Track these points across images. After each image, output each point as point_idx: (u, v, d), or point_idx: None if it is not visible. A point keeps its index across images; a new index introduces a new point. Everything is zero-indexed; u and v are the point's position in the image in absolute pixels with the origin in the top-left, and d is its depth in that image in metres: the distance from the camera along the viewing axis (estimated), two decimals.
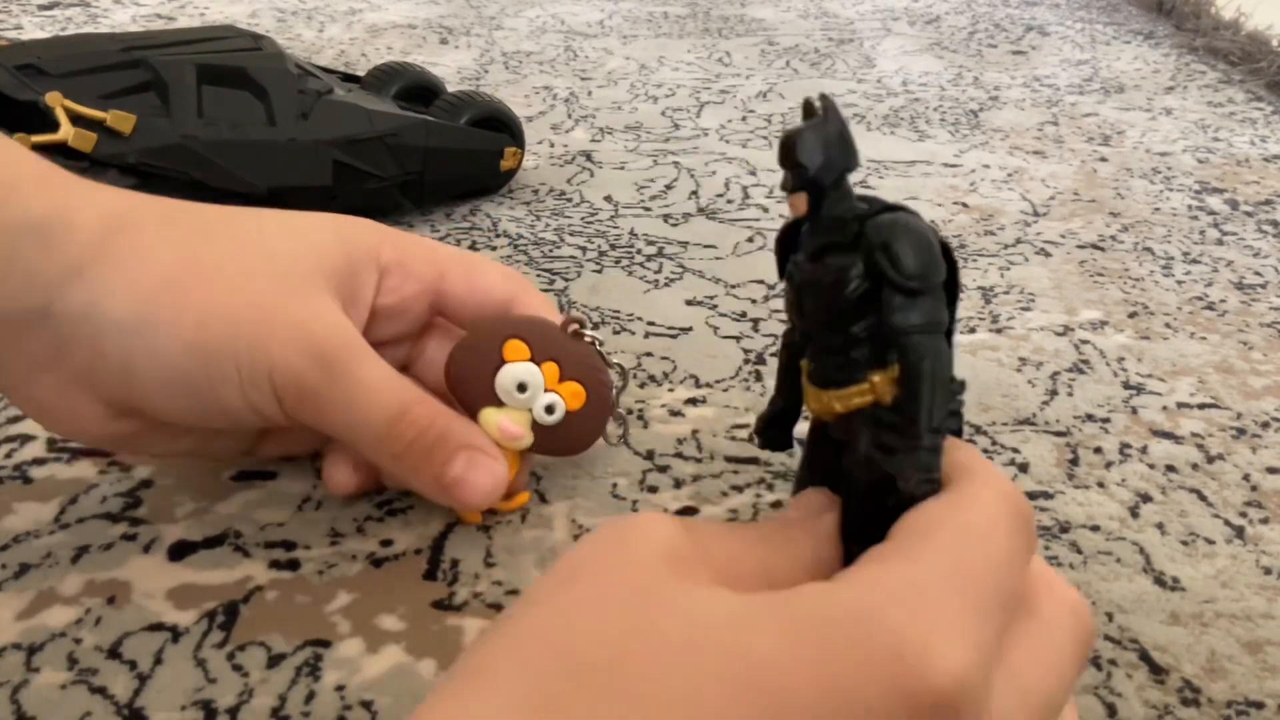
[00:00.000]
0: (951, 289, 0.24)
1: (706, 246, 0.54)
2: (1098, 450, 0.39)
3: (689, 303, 0.48)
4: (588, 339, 0.34)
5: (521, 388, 0.32)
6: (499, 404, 0.32)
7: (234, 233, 0.31)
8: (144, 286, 0.29)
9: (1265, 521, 0.35)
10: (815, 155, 0.22)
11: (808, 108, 0.23)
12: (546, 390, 0.33)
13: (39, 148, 0.43)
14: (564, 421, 0.33)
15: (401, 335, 0.36)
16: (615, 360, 0.35)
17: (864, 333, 0.23)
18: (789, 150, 0.22)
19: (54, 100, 0.44)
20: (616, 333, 0.45)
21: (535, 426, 0.33)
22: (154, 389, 0.29)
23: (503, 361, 0.32)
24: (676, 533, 0.21)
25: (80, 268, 0.28)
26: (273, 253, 0.31)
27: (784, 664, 0.17)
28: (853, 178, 0.23)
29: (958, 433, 0.25)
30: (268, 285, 0.30)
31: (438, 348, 0.36)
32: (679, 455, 0.38)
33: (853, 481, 0.24)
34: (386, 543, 0.33)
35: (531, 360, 0.33)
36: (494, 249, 0.53)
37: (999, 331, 0.47)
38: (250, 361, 0.29)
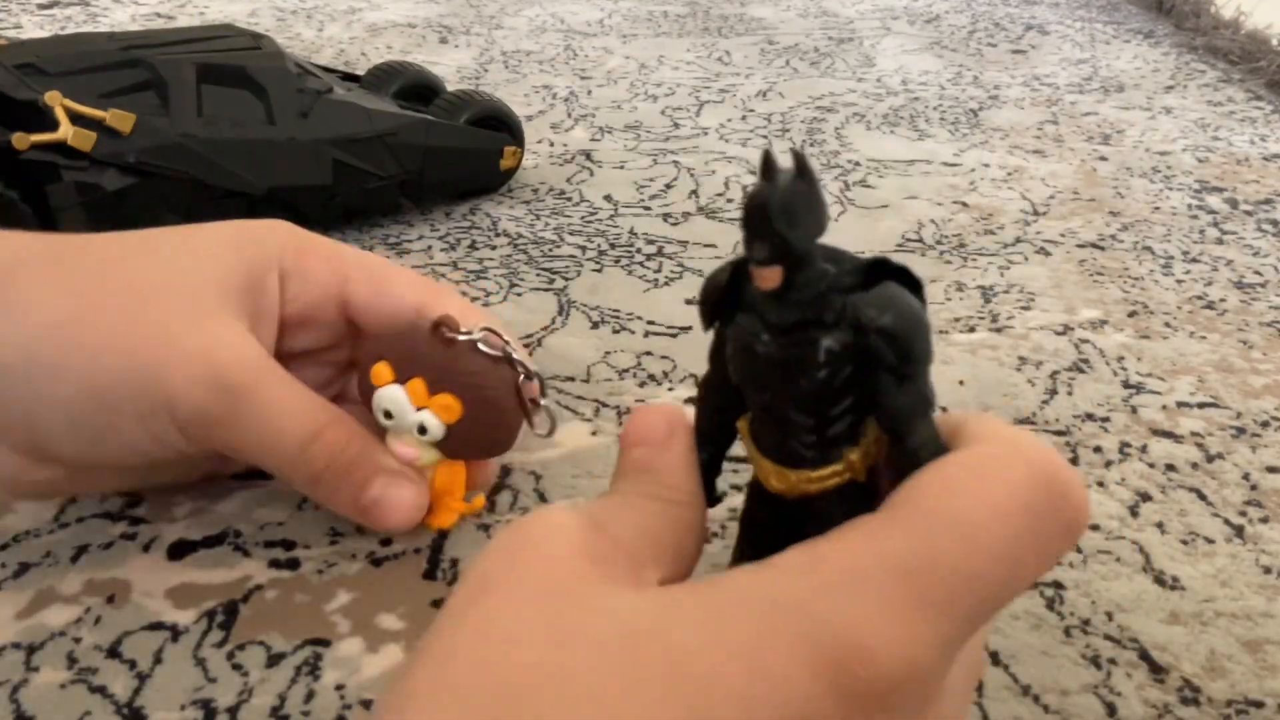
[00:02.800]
0: None
1: (706, 246, 0.54)
2: (1097, 449, 0.39)
3: (689, 302, 0.48)
4: (468, 338, 0.31)
5: (387, 414, 0.31)
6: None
7: (126, 265, 0.30)
8: (29, 333, 0.28)
9: (1265, 520, 0.35)
10: (796, 222, 0.19)
11: (768, 163, 0.19)
12: (418, 409, 0.30)
13: (38, 147, 0.43)
14: (452, 433, 0.31)
15: (321, 347, 0.34)
16: (516, 355, 0.31)
17: (840, 413, 0.21)
18: (764, 217, 0.19)
19: (53, 99, 0.44)
20: (616, 332, 0.45)
21: (435, 442, 0.31)
22: (57, 433, 0.29)
23: (373, 388, 0.31)
24: (580, 525, 0.20)
25: None
26: (168, 278, 0.30)
27: (711, 650, 0.17)
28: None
29: None
30: (163, 315, 0.29)
31: None
32: None
33: None
34: (386, 542, 0.33)
35: (395, 381, 0.31)
36: (493, 248, 0.53)
37: (998, 331, 0.47)
38: (147, 397, 0.28)
